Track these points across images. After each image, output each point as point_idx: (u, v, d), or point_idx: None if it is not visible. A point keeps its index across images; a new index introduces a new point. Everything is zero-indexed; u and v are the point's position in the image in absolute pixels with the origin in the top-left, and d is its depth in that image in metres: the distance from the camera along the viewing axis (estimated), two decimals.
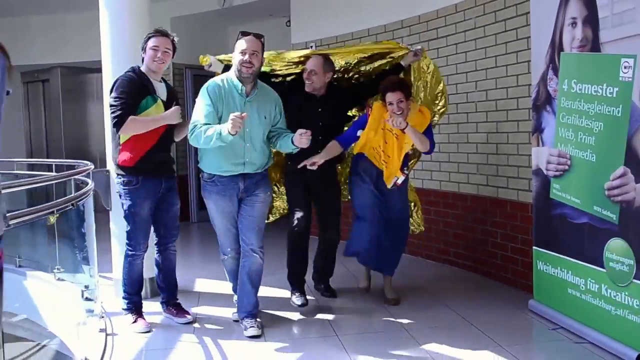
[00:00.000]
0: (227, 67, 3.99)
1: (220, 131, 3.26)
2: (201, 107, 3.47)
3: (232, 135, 3.20)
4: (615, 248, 3.12)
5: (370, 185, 4.03)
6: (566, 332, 3.44)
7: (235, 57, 3.50)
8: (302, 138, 3.42)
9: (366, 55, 4.24)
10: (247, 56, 3.46)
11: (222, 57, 4.18)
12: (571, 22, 3.40)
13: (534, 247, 3.85)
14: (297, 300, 3.93)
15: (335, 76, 4.21)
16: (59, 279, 4.22)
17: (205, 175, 3.62)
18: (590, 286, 3.31)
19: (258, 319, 3.61)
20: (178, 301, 3.81)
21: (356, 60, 4.28)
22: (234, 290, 3.79)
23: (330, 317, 3.85)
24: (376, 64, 4.27)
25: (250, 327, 3.53)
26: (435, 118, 4.24)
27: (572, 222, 3.44)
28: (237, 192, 3.57)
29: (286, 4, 6.76)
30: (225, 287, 4.44)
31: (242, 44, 3.49)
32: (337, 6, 6.16)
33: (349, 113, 4.39)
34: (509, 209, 4.41)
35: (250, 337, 3.47)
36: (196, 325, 3.70)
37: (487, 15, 4.52)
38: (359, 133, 4.02)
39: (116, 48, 4.12)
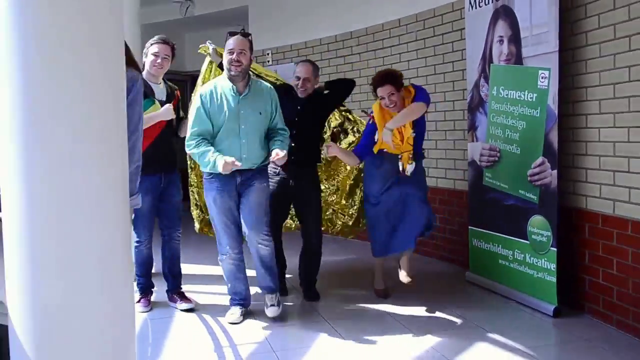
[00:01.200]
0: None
1: (215, 164, 3.43)
2: (194, 115, 3.59)
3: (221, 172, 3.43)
4: (536, 223, 3.85)
5: (382, 190, 3.97)
6: (497, 295, 4.14)
7: (225, 57, 3.60)
8: (276, 159, 3.49)
9: None
10: (235, 55, 3.53)
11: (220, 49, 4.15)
12: (499, 40, 4.12)
13: (469, 227, 4.55)
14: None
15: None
16: None
17: (205, 173, 3.69)
18: (516, 256, 4.04)
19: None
20: (182, 290, 4.05)
21: None
22: (229, 292, 3.82)
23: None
24: None
25: (271, 305, 3.70)
26: None
27: (502, 203, 4.16)
28: (234, 186, 3.63)
29: (241, 14, 7.23)
30: (201, 268, 4.90)
31: (229, 43, 3.58)
32: (292, 16, 6.69)
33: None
34: (447, 196, 5.11)
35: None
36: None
37: (426, 30, 5.20)
38: (376, 136, 3.95)
39: None
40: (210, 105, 3.58)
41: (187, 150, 3.63)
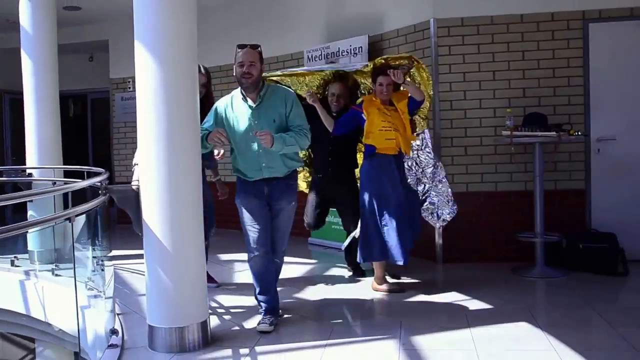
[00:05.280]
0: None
1: (204, 137, 3.60)
2: (207, 115, 3.80)
3: (210, 144, 3.64)
4: None
5: (375, 192, 4.38)
6: (333, 249, 6.32)
7: (235, 70, 3.67)
8: (257, 133, 3.53)
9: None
10: (245, 67, 3.59)
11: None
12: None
13: None
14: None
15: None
16: (90, 290, 4.73)
17: (236, 178, 3.88)
18: (338, 221, 6.26)
19: (272, 317, 3.79)
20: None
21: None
22: (257, 294, 3.89)
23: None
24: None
25: (263, 323, 3.74)
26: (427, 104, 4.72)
27: None
28: (262, 194, 3.75)
29: (101, 46, 8.52)
30: None
31: (239, 56, 3.64)
32: None
33: None
34: None
35: (260, 332, 3.70)
36: None
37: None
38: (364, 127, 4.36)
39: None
40: (226, 116, 3.76)
41: None
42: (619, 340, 3.46)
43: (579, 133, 4.99)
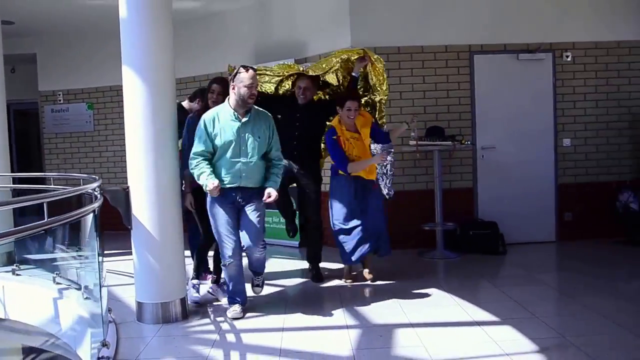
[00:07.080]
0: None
1: (205, 185, 4.02)
2: (197, 137, 4.14)
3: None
4: None
5: (348, 198, 4.97)
6: (274, 245, 7.20)
7: (241, 89, 4.00)
8: (267, 200, 4.09)
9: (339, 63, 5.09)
10: (253, 90, 4.02)
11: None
12: None
13: None
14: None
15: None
16: (58, 284, 5.12)
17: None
18: (281, 220, 7.19)
19: (263, 279, 4.56)
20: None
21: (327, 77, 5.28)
22: (230, 292, 4.38)
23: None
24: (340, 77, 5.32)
25: (256, 285, 4.54)
26: (384, 99, 5.22)
27: None
28: (234, 201, 4.15)
29: (29, 59, 8.82)
30: None
31: (247, 78, 3.99)
32: (79, 64, 8.72)
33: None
34: None
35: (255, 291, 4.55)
36: None
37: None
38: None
39: None
40: (213, 129, 4.11)
41: (189, 167, 4.18)
42: (502, 296, 4.67)
43: (468, 142, 6.26)
